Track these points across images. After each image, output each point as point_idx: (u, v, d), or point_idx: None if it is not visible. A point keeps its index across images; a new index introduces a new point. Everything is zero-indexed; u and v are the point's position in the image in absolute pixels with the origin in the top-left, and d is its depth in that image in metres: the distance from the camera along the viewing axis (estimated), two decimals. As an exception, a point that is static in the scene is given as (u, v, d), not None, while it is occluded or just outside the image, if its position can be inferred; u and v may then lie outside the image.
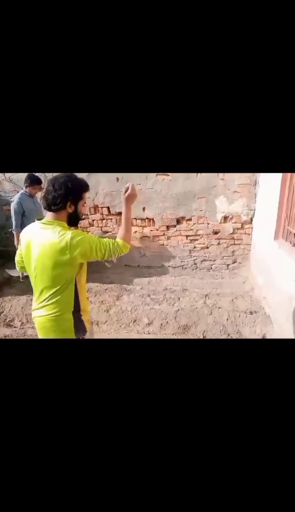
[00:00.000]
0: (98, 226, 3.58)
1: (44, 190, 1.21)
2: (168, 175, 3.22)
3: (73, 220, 1.25)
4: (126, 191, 1.27)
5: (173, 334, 2.25)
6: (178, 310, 2.54)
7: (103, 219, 3.55)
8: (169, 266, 3.55)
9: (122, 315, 2.55)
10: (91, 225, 3.58)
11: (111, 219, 3.53)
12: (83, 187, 1.24)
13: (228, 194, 3.17)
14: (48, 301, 1.24)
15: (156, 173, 3.23)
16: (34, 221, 1.26)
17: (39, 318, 1.27)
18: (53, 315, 1.24)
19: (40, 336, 1.33)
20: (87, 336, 1.39)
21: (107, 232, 3.58)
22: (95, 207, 3.50)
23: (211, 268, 3.48)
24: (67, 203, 1.18)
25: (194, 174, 3.17)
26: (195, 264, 3.50)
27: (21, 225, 2.69)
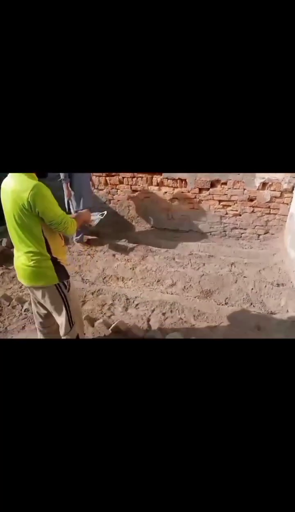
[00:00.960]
0: (128, 184, 3.50)
1: None
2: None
3: (40, 172, 1.30)
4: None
5: (195, 297, 2.29)
6: (202, 275, 2.53)
7: (134, 176, 3.44)
8: (196, 231, 3.47)
9: (147, 274, 2.60)
10: (121, 182, 3.50)
11: (141, 177, 3.41)
12: None
13: (271, 157, 2.89)
14: (24, 249, 1.31)
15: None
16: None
17: (22, 266, 1.35)
18: (34, 264, 1.31)
19: (26, 284, 1.41)
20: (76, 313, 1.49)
21: (136, 190, 3.50)
22: (127, 164, 3.38)
23: (241, 237, 3.35)
24: None
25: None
26: (224, 231, 3.39)
27: (69, 176, 2.81)
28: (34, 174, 1.26)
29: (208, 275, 2.54)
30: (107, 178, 3.53)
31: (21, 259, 1.34)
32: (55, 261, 1.36)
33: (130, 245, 3.16)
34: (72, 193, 2.89)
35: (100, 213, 1.67)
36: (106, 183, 3.57)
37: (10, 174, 1.27)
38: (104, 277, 2.60)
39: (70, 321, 1.47)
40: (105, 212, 1.69)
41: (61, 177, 2.83)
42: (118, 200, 3.65)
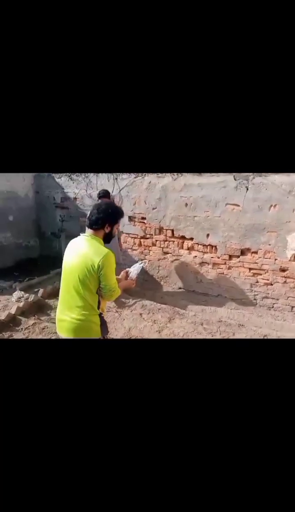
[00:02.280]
0: (160, 247, 3.70)
1: (90, 212, 1.51)
2: (239, 205, 3.18)
3: (107, 238, 1.48)
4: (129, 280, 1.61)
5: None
6: (232, 346, 2.40)
7: (166, 240, 3.66)
8: (226, 297, 3.42)
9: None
10: (154, 245, 3.72)
11: (173, 241, 3.62)
12: (120, 214, 1.50)
13: (302, 231, 2.96)
14: (78, 304, 1.39)
15: (225, 203, 3.23)
16: None
17: (70, 319, 1.41)
18: (84, 317, 1.39)
19: (69, 337, 1.44)
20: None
21: (167, 253, 3.67)
22: (161, 229, 3.65)
23: (272, 307, 3.22)
24: (105, 224, 1.43)
25: (266, 207, 3.06)
26: (254, 299, 3.30)
27: None
28: (102, 241, 1.46)
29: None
30: (141, 240, 3.79)
31: (69, 312, 1.42)
32: (101, 316, 1.46)
33: (158, 305, 3.16)
34: None
35: (140, 262, 1.73)
36: (140, 245, 3.81)
37: (82, 238, 1.46)
38: (130, 338, 2.57)
39: None
40: (146, 260, 1.74)
41: None
42: (149, 261, 3.82)
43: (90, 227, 1.44)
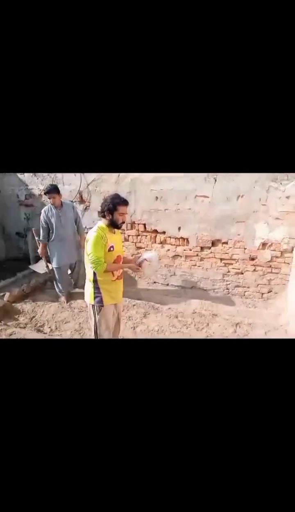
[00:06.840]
0: (133, 242, 3.64)
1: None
2: (208, 197, 3.20)
3: (112, 225, 1.85)
4: (139, 264, 2.00)
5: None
6: (207, 336, 2.43)
7: (139, 235, 3.60)
8: (199, 288, 3.46)
9: (148, 335, 2.50)
10: (126, 240, 3.65)
11: (146, 235, 3.57)
12: (118, 202, 1.78)
13: (269, 220, 3.06)
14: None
15: (195, 195, 3.24)
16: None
17: None
18: (86, 285, 1.96)
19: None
20: (111, 326, 2.04)
21: (141, 248, 3.62)
22: (132, 224, 3.58)
23: (244, 295, 3.32)
24: (104, 213, 1.84)
25: (234, 198, 3.11)
26: (227, 289, 3.37)
27: (48, 236, 2.98)
28: (105, 226, 1.84)
29: (212, 336, 2.43)
30: (113, 235, 3.70)
31: None
32: (96, 287, 1.87)
33: (133, 301, 3.12)
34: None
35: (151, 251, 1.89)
36: (111, 240, 3.72)
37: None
38: (105, 336, 2.50)
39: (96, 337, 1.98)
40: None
41: (41, 237, 3.02)
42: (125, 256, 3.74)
43: (99, 216, 1.92)
